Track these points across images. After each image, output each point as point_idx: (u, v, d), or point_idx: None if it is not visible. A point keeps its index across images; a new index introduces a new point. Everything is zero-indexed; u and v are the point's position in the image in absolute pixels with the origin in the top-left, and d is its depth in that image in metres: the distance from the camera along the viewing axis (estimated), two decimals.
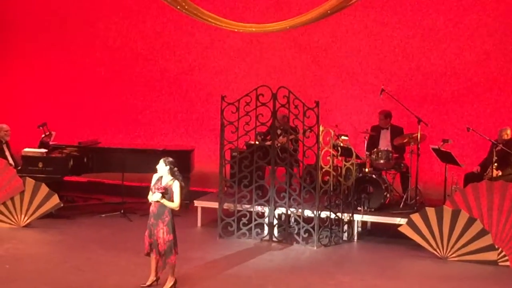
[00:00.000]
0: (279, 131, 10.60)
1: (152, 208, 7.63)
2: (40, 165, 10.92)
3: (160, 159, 7.70)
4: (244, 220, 9.96)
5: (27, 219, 10.30)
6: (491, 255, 9.02)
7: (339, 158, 10.05)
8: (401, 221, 9.64)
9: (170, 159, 7.70)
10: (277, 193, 9.93)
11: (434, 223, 9.20)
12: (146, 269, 7.80)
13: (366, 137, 10.96)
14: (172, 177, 7.62)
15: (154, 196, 7.56)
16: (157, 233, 7.58)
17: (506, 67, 11.56)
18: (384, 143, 10.94)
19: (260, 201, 9.97)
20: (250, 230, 9.98)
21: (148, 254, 7.71)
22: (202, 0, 11.51)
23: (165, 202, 7.54)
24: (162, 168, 7.62)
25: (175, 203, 7.58)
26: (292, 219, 10.08)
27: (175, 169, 7.67)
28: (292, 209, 9.88)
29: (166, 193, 7.52)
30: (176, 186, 7.59)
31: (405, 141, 10.60)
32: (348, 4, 9.91)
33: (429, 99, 11.85)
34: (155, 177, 7.71)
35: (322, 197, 9.88)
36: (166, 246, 7.57)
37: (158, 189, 7.52)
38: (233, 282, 8.21)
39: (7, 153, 11.21)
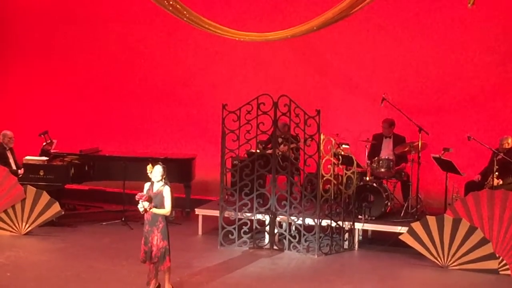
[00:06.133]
0: (280, 140, 10.62)
1: (146, 216, 7.60)
2: (41, 173, 10.94)
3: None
4: (245, 228, 9.97)
5: (28, 227, 10.31)
6: (492, 264, 9.02)
7: (340, 166, 10.06)
8: (402, 229, 9.64)
9: (163, 165, 7.69)
10: (278, 201, 9.94)
11: (435, 231, 9.20)
12: (147, 277, 7.78)
13: (368, 146, 10.98)
14: (163, 183, 7.63)
15: (140, 205, 7.47)
16: (151, 240, 7.57)
17: (506, 77, 11.58)
18: (386, 151, 10.95)
19: (261, 209, 9.98)
20: (251, 238, 9.99)
21: (144, 261, 7.69)
22: (203, 8, 11.55)
23: (155, 210, 7.50)
24: (158, 174, 7.59)
25: (166, 209, 7.54)
26: (293, 228, 10.09)
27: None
28: (293, 218, 9.89)
29: (151, 200, 7.47)
30: (167, 191, 7.56)
31: (406, 149, 10.61)
32: (350, 13, 9.93)
33: (430, 108, 11.87)
34: (146, 185, 7.66)
35: (323, 206, 9.89)
36: (159, 252, 7.54)
37: (141, 197, 7.43)
38: None
39: (11, 160, 11.25)
